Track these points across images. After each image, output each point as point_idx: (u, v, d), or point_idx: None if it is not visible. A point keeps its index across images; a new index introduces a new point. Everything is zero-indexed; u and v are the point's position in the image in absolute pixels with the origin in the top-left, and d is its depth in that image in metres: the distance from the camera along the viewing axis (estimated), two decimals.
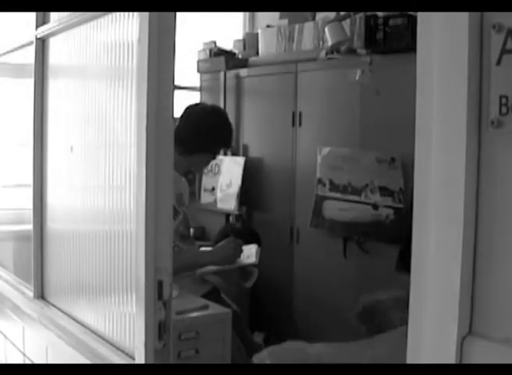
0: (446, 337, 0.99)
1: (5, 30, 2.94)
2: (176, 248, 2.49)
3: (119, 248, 1.88)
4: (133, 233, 1.73)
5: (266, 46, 4.09)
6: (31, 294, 2.51)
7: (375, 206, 3.24)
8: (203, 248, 2.89)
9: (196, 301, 2.38)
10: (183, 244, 2.58)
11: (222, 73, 4.20)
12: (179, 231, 2.58)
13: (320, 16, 3.77)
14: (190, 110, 2.76)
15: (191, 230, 2.92)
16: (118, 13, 1.87)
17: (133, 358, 1.74)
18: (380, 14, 3.20)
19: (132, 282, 1.75)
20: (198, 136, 2.67)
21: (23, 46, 2.69)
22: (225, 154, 4.11)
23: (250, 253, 2.72)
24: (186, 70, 4.34)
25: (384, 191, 3.21)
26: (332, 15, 3.56)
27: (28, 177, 2.53)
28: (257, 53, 4.15)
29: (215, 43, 4.28)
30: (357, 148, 3.35)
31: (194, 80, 4.40)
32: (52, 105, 2.42)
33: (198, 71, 4.34)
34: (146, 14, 1.61)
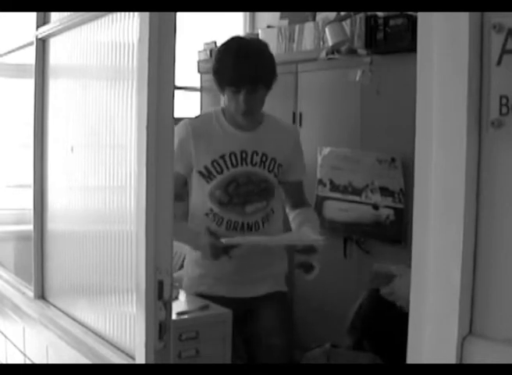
0: (447, 337, 0.99)
1: (5, 30, 2.94)
2: (210, 215, 2.31)
3: (119, 248, 1.88)
4: (133, 233, 1.73)
5: None
6: (32, 294, 2.51)
7: (376, 206, 3.24)
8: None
9: (196, 302, 2.38)
10: (220, 211, 2.31)
11: None
12: (216, 196, 2.30)
13: (320, 16, 3.77)
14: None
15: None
16: (118, 13, 1.87)
17: (134, 359, 1.74)
18: (380, 14, 3.20)
19: (132, 282, 1.75)
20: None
21: (23, 46, 2.69)
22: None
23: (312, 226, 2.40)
24: (187, 70, 4.34)
25: (384, 191, 3.21)
26: (332, 15, 3.56)
27: (29, 178, 2.53)
28: None
29: (215, 43, 4.28)
30: (357, 149, 3.35)
31: (194, 80, 4.40)
32: (53, 106, 2.43)
33: (199, 71, 4.34)
34: (146, 14, 1.61)
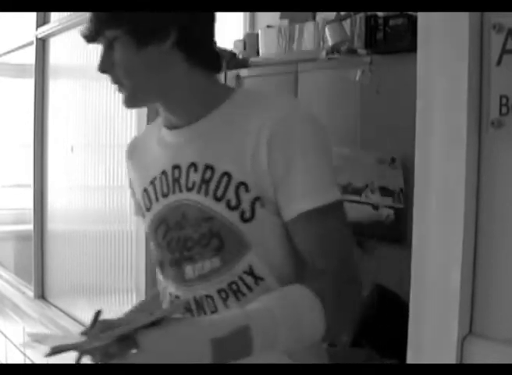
0: (446, 337, 0.99)
1: (5, 30, 2.94)
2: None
3: (119, 248, 1.88)
4: (133, 233, 1.74)
5: (266, 46, 4.09)
6: (32, 294, 2.51)
7: (376, 206, 3.24)
8: None
9: None
10: (162, 277, 1.29)
11: (222, 74, 4.20)
12: (152, 251, 1.33)
13: (320, 16, 3.77)
14: None
15: None
16: None
17: None
18: (380, 14, 3.20)
19: (132, 282, 1.75)
20: None
21: (23, 46, 2.69)
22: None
23: None
24: None
25: (384, 191, 3.20)
26: (332, 15, 3.55)
27: (28, 177, 2.53)
28: (258, 53, 4.15)
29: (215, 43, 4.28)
30: (357, 148, 3.35)
31: None
32: (53, 106, 2.43)
33: None
34: None
